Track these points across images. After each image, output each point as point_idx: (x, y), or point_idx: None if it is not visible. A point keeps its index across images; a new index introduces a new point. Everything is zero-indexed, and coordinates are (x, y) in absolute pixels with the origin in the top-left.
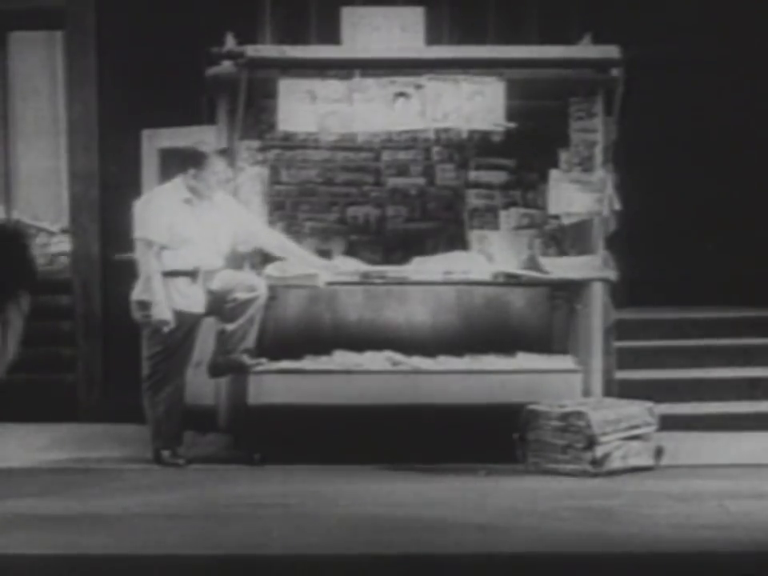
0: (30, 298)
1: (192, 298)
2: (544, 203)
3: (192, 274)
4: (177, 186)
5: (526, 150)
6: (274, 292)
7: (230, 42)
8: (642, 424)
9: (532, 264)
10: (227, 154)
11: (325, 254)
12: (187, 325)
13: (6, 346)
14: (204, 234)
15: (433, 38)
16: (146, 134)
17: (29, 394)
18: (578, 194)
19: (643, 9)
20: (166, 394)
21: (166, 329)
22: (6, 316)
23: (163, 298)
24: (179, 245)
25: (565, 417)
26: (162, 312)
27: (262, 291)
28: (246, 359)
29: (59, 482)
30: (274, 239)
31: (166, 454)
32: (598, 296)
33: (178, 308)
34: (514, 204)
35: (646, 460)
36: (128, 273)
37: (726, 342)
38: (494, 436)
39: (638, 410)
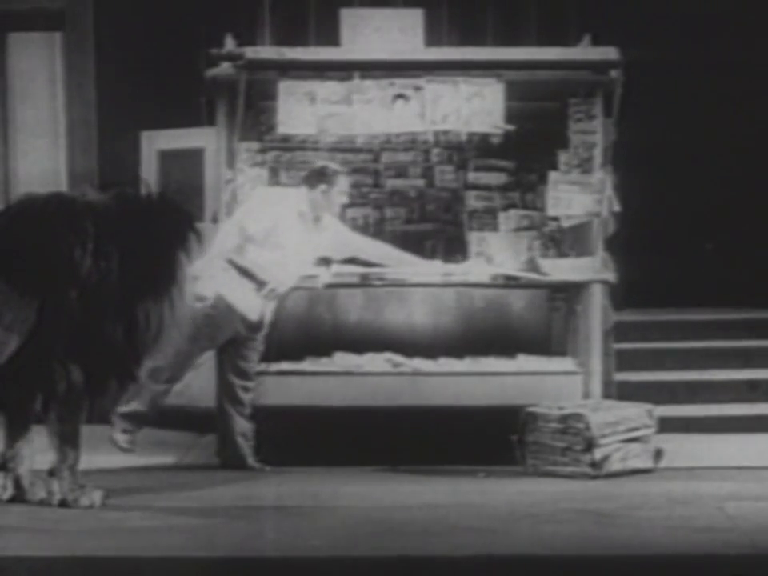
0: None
1: (251, 304)
2: (543, 205)
3: (261, 284)
4: (300, 195)
5: (525, 152)
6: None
7: (230, 44)
8: (641, 426)
9: (531, 266)
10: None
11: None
12: (234, 327)
13: (168, 313)
14: (298, 251)
15: (432, 40)
16: (145, 135)
17: None
18: (577, 195)
19: (642, 10)
20: (166, 389)
21: (199, 305)
22: (170, 299)
23: (210, 278)
24: (270, 248)
25: (564, 419)
26: (204, 288)
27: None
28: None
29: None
30: (377, 249)
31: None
32: (597, 298)
33: (238, 307)
34: (513, 206)
35: (645, 462)
36: None
37: (724, 344)
38: (493, 438)
39: (637, 412)
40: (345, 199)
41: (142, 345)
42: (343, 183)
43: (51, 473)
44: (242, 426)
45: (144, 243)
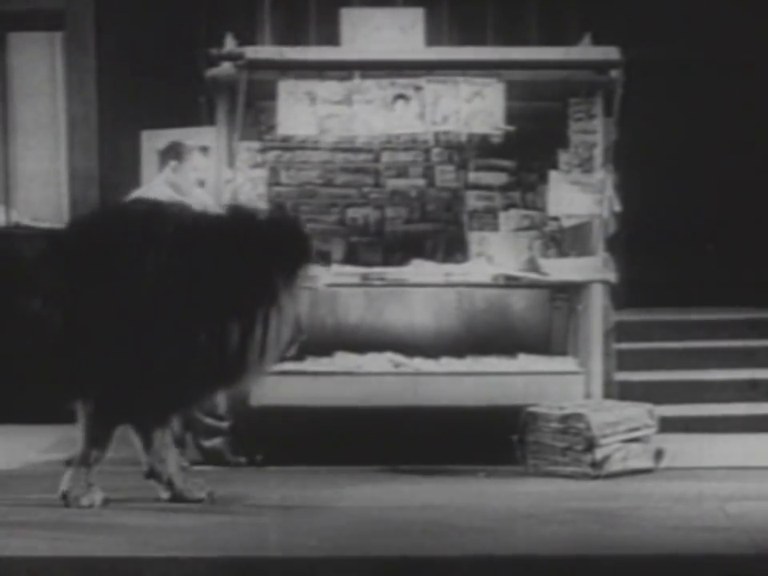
0: (301, 285)
1: None
2: (544, 205)
3: None
4: (158, 184)
5: (525, 152)
6: None
7: (230, 44)
8: (641, 426)
9: (532, 266)
10: (208, 151)
11: (324, 255)
12: None
13: (280, 333)
14: None
15: (432, 39)
16: (145, 134)
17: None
18: (577, 195)
19: (643, 9)
20: None
21: None
22: (280, 303)
23: None
24: None
25: (564, 419)
26: None
27: None
28: None
29: (59, 484)
30: None
31: None
32: (597, 297)
33: None
34: (513, 205)
35: (646, 462)
36: None
37: (726, 344)
38: (494, 438)
39: (637, 412)
40: (201, 175)
41: (237, 361)
42: (198, 160)
43: (69, 462)
44: (211, 423)
45: (249, 261)
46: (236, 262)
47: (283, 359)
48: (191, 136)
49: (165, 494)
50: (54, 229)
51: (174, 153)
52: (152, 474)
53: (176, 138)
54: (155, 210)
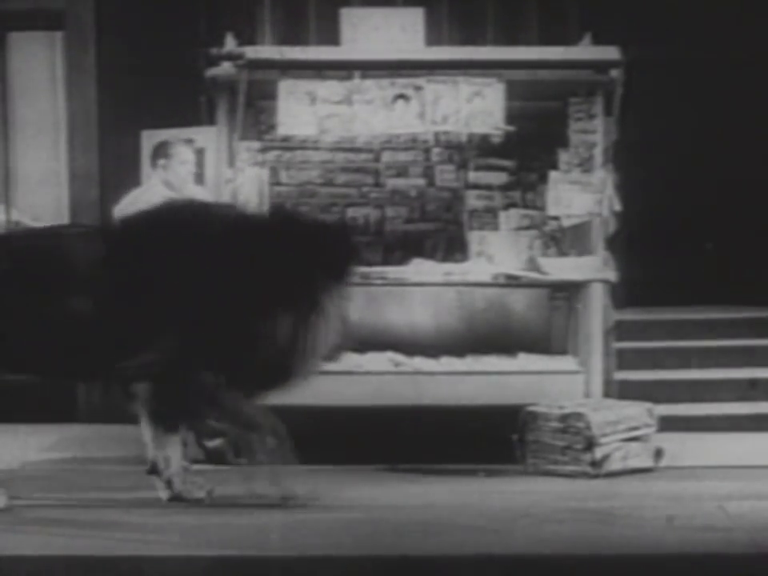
0: (346, 289)
1: None
2: (544, 204)
3: None
4: (153, 184)
5: (525, 151)
6: None
7: (230, 43)
8: (641, 425)
9: (532, 265)
10: (193, 143)
11: None
12: None
13: (324, 338)
14: None
15: (432, 39)
16: (145, 134)
17: (28, 394)
18: (577, 194)
19: (643, 9)
20: None
21: None
22: (322, 307)
23: None
24: None
25: (564, 418)
26: None
27: None
28: None
29: (59, 483)
30: None
31: None
32: (597, 297)
33: None
34: (513, 205)
35: (646, 461)
36: None
37: (725, 343)
38: (493, 437)
39: (637, 411)
40: (191, 168)
41: (281, 364)
42: (184, 153)
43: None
44: (213, 424)
45: (295, 264)
46: (282, 265)
47: (327, 363)
48: (191, 136)
49: (164, 494)
50: (104, 228)
51: (160, 152)
52: (154, 471)
53: (160, 139)
54: (204, 211)
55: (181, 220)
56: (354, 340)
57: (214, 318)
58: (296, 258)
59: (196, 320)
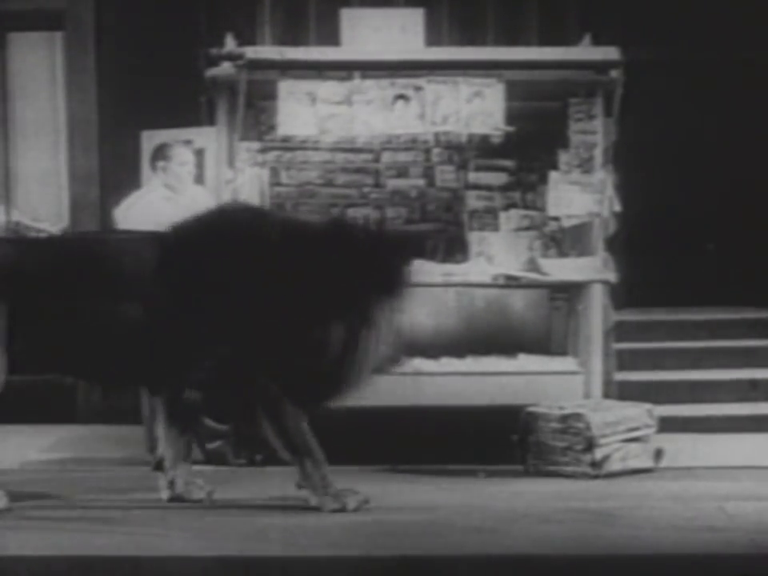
0: (398, 301)
1: None
2: (544, 205)
3: None
4: (154, 186)
5: (525, 152)
6: None
7: (230, 44)
8: (641, 426)
9: (532, 266)
10: (191, 144)
11: None
12: None
13: (375, 350)
14: None
15: (432, 39)
16: (145, 134)
17: (28, 395)
18: (577, 195)
19: (643, 10)
20: None
21: None
22: (377, 320)
23: None
24: None
25: (564, 419)
26: None
27: None
28: None
29: (59, 484)
30: None
31: None
32: (597, 297)
33: None
34: (513, 206)
35: (646, 462)
36: None
37: (725, 344)
38: (494, 438)
39: (637, 412)
40: (189, 169)
41: (332, 375)
42: (183, 154)
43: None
44: (214, 426)
45: (349, 275)
46: (337, 274)
47: (379, 375)
48: (190, 137)
49: (165, 494)
50: (157, 233)
51: (159, 154)
52: (159, 468)
53: (158, 142)
54: (259, 217)
55: (236, 226)
56: (408, 351)
57: (268, 326)
58: (351, 269)
59: (250, 328)
